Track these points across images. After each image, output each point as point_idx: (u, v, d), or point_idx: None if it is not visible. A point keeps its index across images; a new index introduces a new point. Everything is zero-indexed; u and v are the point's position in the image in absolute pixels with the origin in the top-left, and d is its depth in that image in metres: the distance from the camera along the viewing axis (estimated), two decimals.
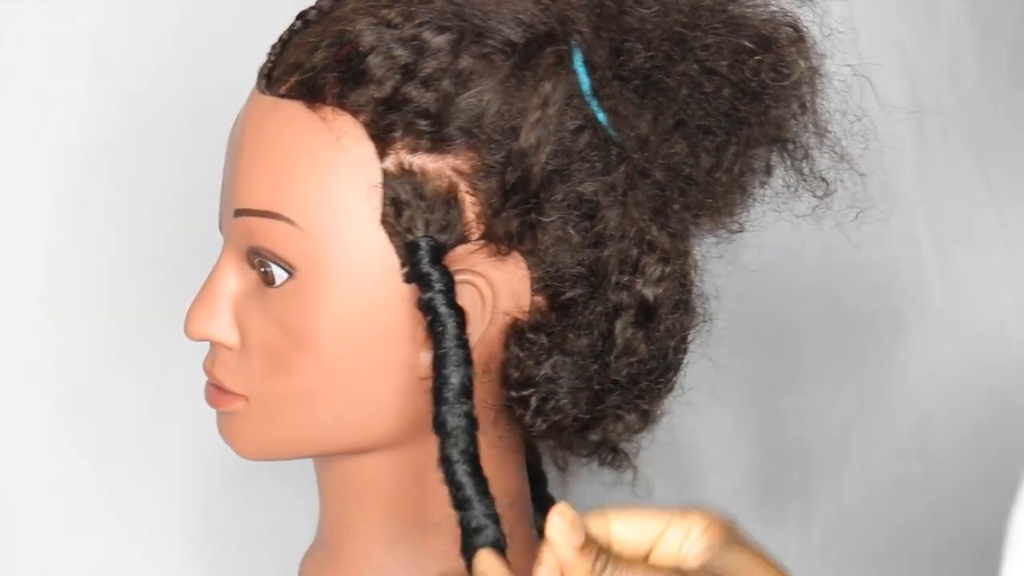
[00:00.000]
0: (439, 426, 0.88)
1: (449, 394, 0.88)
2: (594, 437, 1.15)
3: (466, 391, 0.88)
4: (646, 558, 0.84)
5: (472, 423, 0.88)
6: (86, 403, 1.31)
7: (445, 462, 0.87)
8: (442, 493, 0.92)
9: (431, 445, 0.92)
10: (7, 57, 1.29)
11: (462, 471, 0.87)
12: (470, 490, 0.86)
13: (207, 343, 1.00)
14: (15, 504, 1.30)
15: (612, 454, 1.17)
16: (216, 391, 0.99)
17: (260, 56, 0.98)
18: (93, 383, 1.31)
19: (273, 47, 0.96)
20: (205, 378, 1.01)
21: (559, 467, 1.21)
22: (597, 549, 0.82)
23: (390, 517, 1.01)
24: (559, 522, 0.81)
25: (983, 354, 1.37)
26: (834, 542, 1.35)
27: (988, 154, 1.36)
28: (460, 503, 0.86)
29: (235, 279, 0.96)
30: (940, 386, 1.37)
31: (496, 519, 0.86)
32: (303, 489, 1.24)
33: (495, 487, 0.94)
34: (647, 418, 1.06)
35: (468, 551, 0.86)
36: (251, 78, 1.00)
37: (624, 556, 0.83)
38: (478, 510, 0.86)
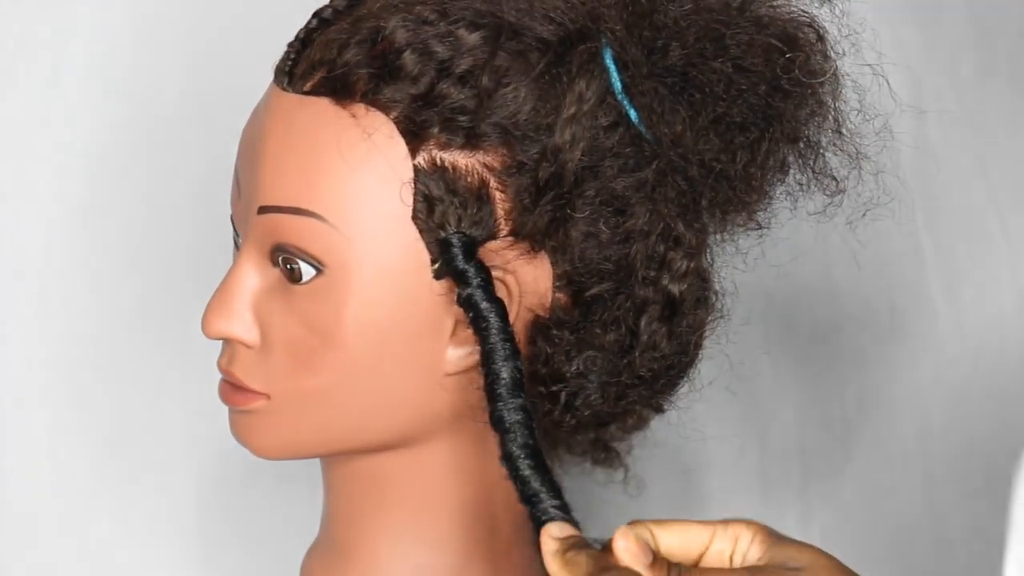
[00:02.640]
0: (496, 423, 0.87)
1: (502, 390, 0.87)
2: (590, 436, 1.15)
3: (518, 384, 0.88)
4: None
5: (528, 416, 0.87)
6: (86, 403, 1.31)
7: (507, 459, 0.86)
8: (457, 492, 0.92)
9: (450, 444, 0.92)
10: (7, 57, 1.29)
11: (525, 466, 0.85)
12: (536, 483, 0.85)
13: (214, 343, 0.99)
14: (15, 503, 1.29)
15: (605, 453, 1.17)
16: (233, 390, 0.98)
17: (261, 56, 0.98)
18: (93, 383, 1.31)
19: (291, 45, 0.96)
20: (208, 377, 1.01)
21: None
22: (667, 563, 0.83)
23: (402, 516, 1.01)
24: (628, 545, 0.81)
25: (983, 354, 1.37)
26: (834, 542, 1.35)
27: (988, 154, 1.37)
28: (528, 498, 0.85)
29: (255, 277, 0.95)
30: (940, 386, 1.37)
31: (567, 508, 0.85)
32: (304, 488, 1.24)
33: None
34: (659, 411, 1.07)
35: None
36: (252, 79, 1.00)
37: (690, 565, 0.85)
38: (547, 503, 0.84)
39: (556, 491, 0.85)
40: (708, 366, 1.07)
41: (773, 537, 0.86)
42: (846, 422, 1.38)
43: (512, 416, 0.87)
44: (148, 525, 1.32)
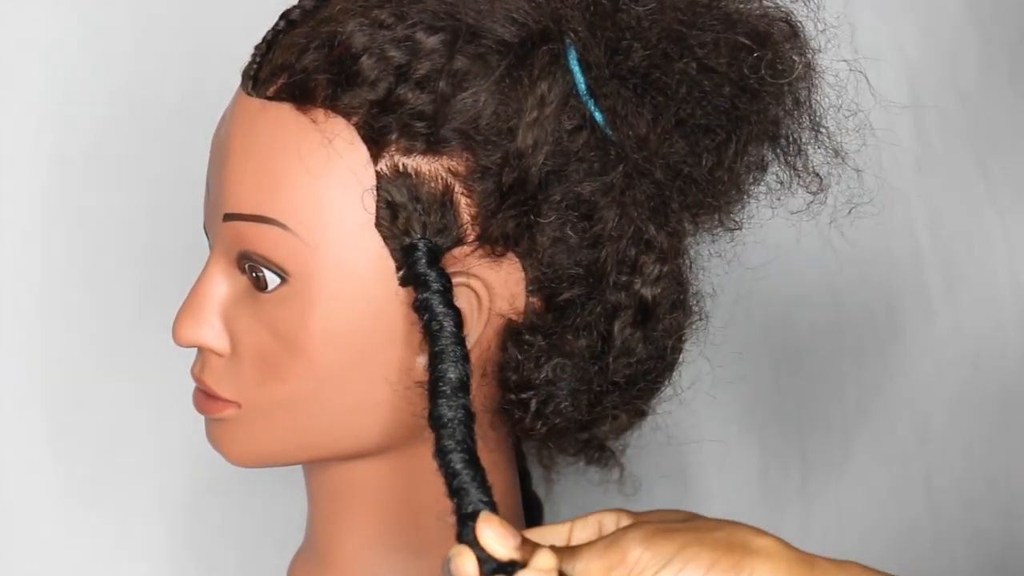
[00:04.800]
0: (435, 420, 0.85)
1: (447, 388, 0.86)
2: (583, 436, 1.15)
3: (464, 386, 0.86)
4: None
5: (469, 416, 0.86)
6: (85, 403, 1.31)
7: (441, 453, 0.84)
8: (435, 498, 0.92)
9: (424, 450, 0.90)
10: (7, 57, 1.30)
11: (458, 459, 0.84)
12: (466, 478, 0.83)
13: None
14: (11, 505, 1.30)
15: (599, 452, 1.16)
16: (205, 398, 0.97)
17: None
18: (93, 383, 1.31)
19: (257, 47, 0.95)
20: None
21: (544, 466, 1.21)
22: (533, 545, 0.82)
23: (380, 522, 1.01)
24: (492, 529, 0.81)
25: (983, 354, 1.37)
26: (834, 542, 1.35)
27: (988, 154, 1.36)
28: (455, 491, 0.83)
29: (224, 284, 0.95)
30: (940, 386, 1.37)
31: (493, 507, 0.83)
32: (297, 492, 1.24)
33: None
34: (641, 417, 1.06)
35: (464, 538, 0.82)
36: None
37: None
38: (474, 496, 0.83)
39: (485, 488, 0.83)
40: (707, 366, 1.07)
41: (633, 514, 0.87)
42: (846, 422, 1.37)
43: (452, 413, 0.85)
44: (141, 527, 1.32)
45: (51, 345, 1.31)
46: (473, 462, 0.84)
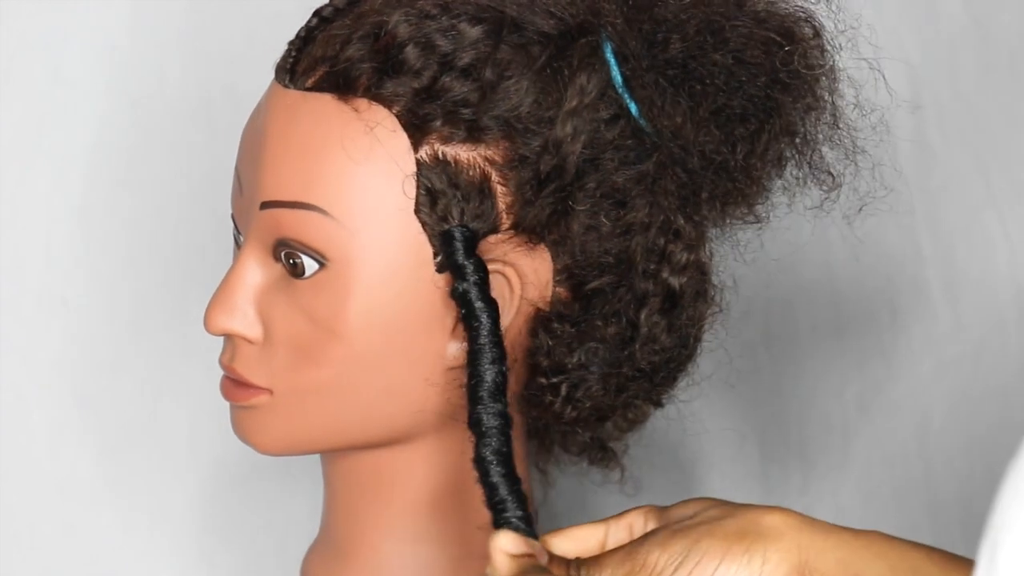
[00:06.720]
0: (474, 425, 0.88)
1: (484, 392, 0.88)
2: (587, 435, 1.15)
3: (500, 389, 0.89)
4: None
5: (506, 422, 0.88)
6: (86, 403, 1.31)
7: (479, 462, 0.87)
8: (458, 487, 0.92)
9: (452, 438, 0.93)
10: (7, 57, 1.29)
11: (496, 472, 0.86)
12: (504, 491, 0.86)
13: (214, 342, 1.00)
14: (17, 503, 1.30)
15: (601, 453, 1.17)
16: (235, 385, 0.98)
17: (263, 56, 0.99)
18: (93, 382, 1.31)
19: (292, 43, 0.97)
20: (209, 377, 1.01)
21: (540, 470, 1.21)
22: (565, 561, 0.85)
23: (404, 512, 1.01)
24: (510, 542, 0.84)
25: (983, 354, 1.37)
26: None
27: (988, 154, 1.37)
28: (494, 505, 0.86)
29: (258, 272, 0.96)
30: (940, 386, 1.37)
31: (530, 520, 0.86)
32: (305, 487, 1.24)
33: None
34: (658, 407, 1.07)
35: None
36: (253, 78, 1.00)
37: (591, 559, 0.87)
38: (511, 512, 0.85)
39: (522, 501, 0.86)
40: (708, 362, 1.07)
41: (661, 510, 0.90)
42: (846, 422, 1.37)
43: (490, 421, 0.88)
44: (149, 525, 1.32)
45: (52, 345, 1.31)
46: (510, 474, 0.87)
